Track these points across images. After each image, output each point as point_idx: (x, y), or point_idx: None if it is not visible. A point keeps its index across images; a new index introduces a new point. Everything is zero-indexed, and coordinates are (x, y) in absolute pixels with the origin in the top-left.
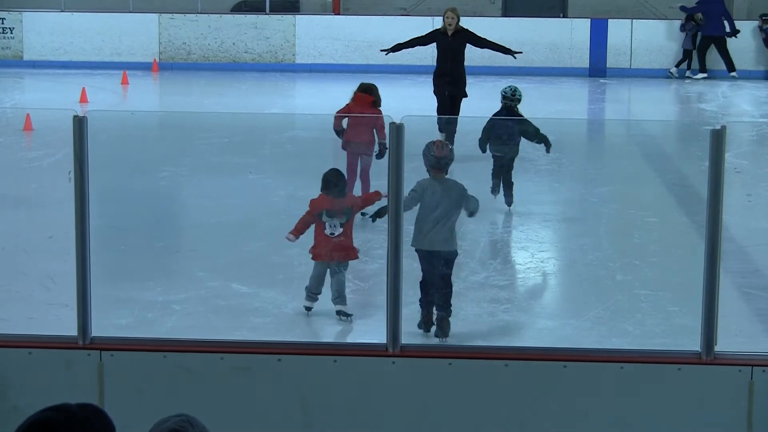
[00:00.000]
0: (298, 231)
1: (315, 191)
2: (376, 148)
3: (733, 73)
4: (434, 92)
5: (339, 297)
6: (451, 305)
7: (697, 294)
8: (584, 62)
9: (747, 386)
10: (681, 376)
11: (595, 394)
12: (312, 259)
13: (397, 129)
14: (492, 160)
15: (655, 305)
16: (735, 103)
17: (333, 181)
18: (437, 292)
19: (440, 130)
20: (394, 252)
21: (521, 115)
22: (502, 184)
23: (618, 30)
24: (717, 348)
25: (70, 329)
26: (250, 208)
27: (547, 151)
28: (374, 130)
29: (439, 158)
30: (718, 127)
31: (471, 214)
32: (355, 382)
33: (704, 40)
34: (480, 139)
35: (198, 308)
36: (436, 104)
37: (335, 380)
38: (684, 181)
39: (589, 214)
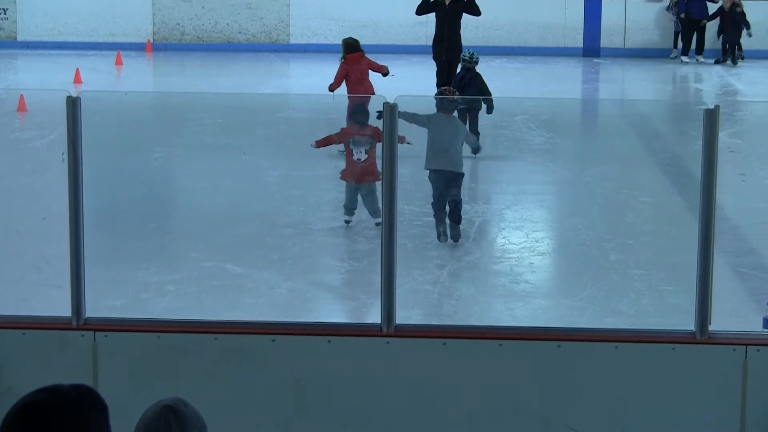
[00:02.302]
0: (320, 144)
1: (309, 171)
2: None
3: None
4: (433, 57)
5: (374, 212)
6: (461, 217)
7: (691, 273)
8: (578, 42)
9: (741, 365)
10: (675, 355)
11: (589, 373)
12: (341, 179)
13: (391, 109)
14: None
15: (649, 285)
16: (729, 82)
17: (356, 113)
18: (450, 207)
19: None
20: (388, 231)
21: (479, 74)
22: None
23: (612, 10)
24: (711, 327)
25: (64, 310)
26: (244, 189)
27: (488, 111)
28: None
29: (452, 102)
30: (711, 106)
31: (475, 150)
32: (350, 363)
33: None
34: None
35: (192, 289)
36: (436, 68)
37: (329, 361)
38: (677, 161)
39: (582, 194)
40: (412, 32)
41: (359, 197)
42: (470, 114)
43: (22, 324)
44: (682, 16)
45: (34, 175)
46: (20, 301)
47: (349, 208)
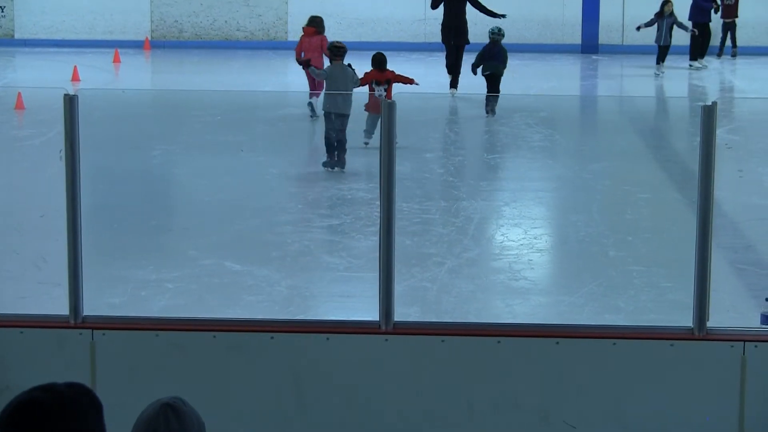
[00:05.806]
0: (362, 82)
1: (308, 168)
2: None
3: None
4: (442, 41)
5: None
6: (346, 149)
7: (690, 270)
8: (576, 39)
9: (739, 361)
10: (673, 351)
11: (588, 370)
12: (365, 110)
13: (389, 106)
14: (486, 82)
15: (647, 281)
16: (727, 79)
17: (377, 60)
18: (338, 140)
19: (449, 72)
20: (386, 229)
21: (503, 47)
22: (488, 97)
23: (610, 6)
24: (709, 324)
25: (62, 308)
26: (243, 186)
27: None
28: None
29: (340, 48)
30: (709, 103)
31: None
32: (348, 360)
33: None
34: (473, 63)
35: (191, 286)
36: (445, 51)
37: (328, 358)
38: (676, 157)
39: (581, 191)
40: (411, 29)
41: (378, 125)
42: (492, 78)
43: (20, 322)
44: (691, 27)
45: (32, 172)
46: (18, 299)
47: (369, 132)
